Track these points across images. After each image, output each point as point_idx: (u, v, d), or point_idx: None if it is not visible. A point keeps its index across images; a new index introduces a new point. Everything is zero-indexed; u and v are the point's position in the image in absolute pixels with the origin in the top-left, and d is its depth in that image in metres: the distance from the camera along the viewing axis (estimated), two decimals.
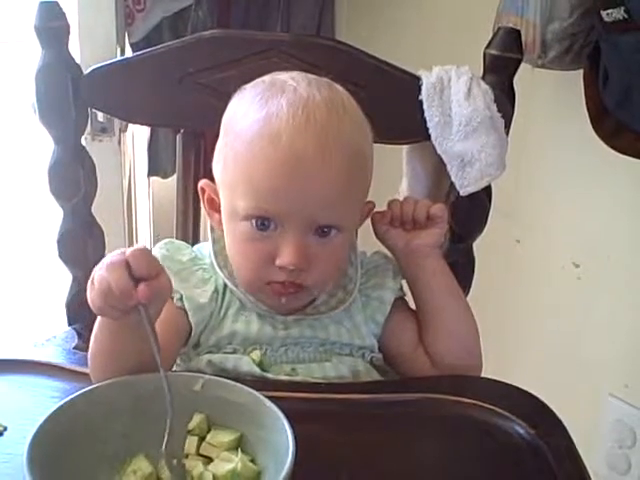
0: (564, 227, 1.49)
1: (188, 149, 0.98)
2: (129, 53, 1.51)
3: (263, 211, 0.71)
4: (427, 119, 0.89)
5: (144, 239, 1.85)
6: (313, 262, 0.72)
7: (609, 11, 1.05)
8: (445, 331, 0.82)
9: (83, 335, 0.95)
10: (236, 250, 0.76)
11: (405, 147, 0.98)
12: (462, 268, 0.94)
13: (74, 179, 0.95)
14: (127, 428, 0.62)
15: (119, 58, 1.28)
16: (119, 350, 0.66)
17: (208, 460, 0.61)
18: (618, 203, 1.39)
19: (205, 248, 0.83)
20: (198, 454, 0.62)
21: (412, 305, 0.86)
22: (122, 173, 1.49)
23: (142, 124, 1.41)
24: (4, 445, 0.64)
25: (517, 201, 1.51)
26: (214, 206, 0.79)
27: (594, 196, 1.42)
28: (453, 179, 0.91)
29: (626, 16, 1.04)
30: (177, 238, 0.98)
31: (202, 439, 0.62)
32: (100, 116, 1.39)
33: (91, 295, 0.60)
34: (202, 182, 0.80)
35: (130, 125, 1.52)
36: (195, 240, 1.01)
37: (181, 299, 0.76)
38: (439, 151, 0.90)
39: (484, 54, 0.91)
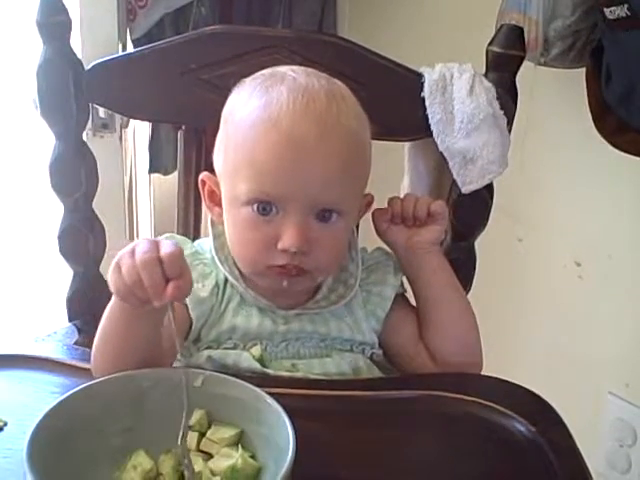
0: (566, 225, 1.49)
1: (189, 145, 0.98)
2: (131, 49, 1.51)
3: (265, 194, 0.71)
4: (429, 116, 0.89)
5: (145, 235, 1.84)
6: (315, 246, 0.72)
7: (612, 8, 1.05)
8: (445, 328, 0.82)
9: (84, 331, 0.95)
10: (238, 236, 0.76)
11: (407, 144, 0.98)
12: (463, 266, 0.94)
13: (75, 175, 0.95)
14: (127, 423, 0.62)
15: (121, 54, 1.28)
16: (129, 340, 0.67)
17: (208, 456, 0.61)
18: (620, 201, 1.39)
19: (206, 243, 0.83)
20: (198, 450, 0.62)
21: (413, 302, 0.86)
22: (123, 169, 1.49)
23: (143, 120, 1.41)
24: (4, 440, 0.64)
25: (519, 199, 1.51)
26: (214, 199, 0.80)
27: (596, 194, 1.42)
28: (455, 176, 0.91)
29: (629, 13, 1.04)
30: (178, 234, 0.98)
31: (202, 435, 0.62)
32: (101, 112, 1.40)
33: (115, 280, 0.61)
34: (203, 174, 0.80)
35: (131, 121, 1.52)
36: (196, 236, 1.01)
37: None
38: (441, 148, 0.90)
39: (487, 51, 0.91)
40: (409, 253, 0.83)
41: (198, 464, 0.59)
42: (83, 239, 0.98)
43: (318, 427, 0.65)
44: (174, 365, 0.76)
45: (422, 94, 0.89)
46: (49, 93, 0.91)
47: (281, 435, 0.57)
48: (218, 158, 0.78)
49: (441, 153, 0.91)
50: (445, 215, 0.82)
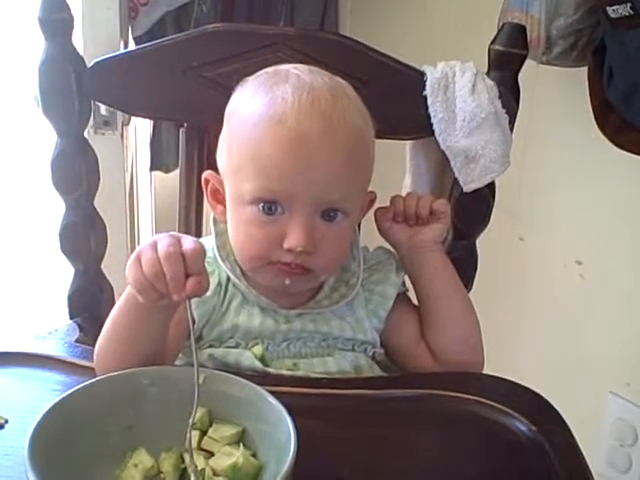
0: (567, 224, 1.49)
1: (191, 143, 0.98)
2: (132, 47, 1.50)
3: (270, 192, 0.71)
4: (431, 115, 0.89)
5: (146, 233, 1.84)
6: (320, 246, 0.72)
7: (615, 7, 1.05)
8: (447, 327, 0.82)
9: (84, 328, 0.95)
10: (242, 234, 0.75)
11: (409, 143, 0.97)
12: (465, 265, 0.94)
13: (77, 172, 0.95)
14: (128, 421, 0.62)
15: (122, 51, 1.28)
16: (137, 338, 0.67)
17: (209, 454, 0.61)
18: (621, 201, 1.39)
19: (207, 242, 0.83)
20: (199, 448, 0.62)
21: (415, 301, 0.86)
22: (124, 167, 1.49)
23: (145, 117, 1.41)
24: (5, 438, 0.64)
25: (520, 198, 1.51)
26: (218, 197, 0.79)
27: (597, 194, 1.42)
28: (457, 175, 0.90)
29: (632, 12, 1.03)
30: (180, 232, 0.98)
31: (204, 433, 0.62)
32: (103, 109, 1.39)
33: (134, 273, 0.61)
34: (206, 173, 0.80)
35: (133, 119, 1.51)
36: (198, 234, 1.01)
37: None
38: (443, 147, 0.90)
39: (489, 50, 0.90)
40: (411, 252, 0.82)
41: (199, 462, 0.59)
42: (84, 237, 0.98)
43: (319, 426, 0.65)
44: (176, 363, 0.76)
45: (424, 92, 0.89)
46: (51, 90, 0.91)
47: (282, 433, 0.57)
48: (222, 156, 0.77)
49: (443, 152, 0.90)
50: (447, 213, 0.82)
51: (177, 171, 1.07)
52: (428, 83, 0.89)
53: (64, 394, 0.60)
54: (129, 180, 1.56)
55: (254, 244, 0.74)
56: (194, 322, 0.78)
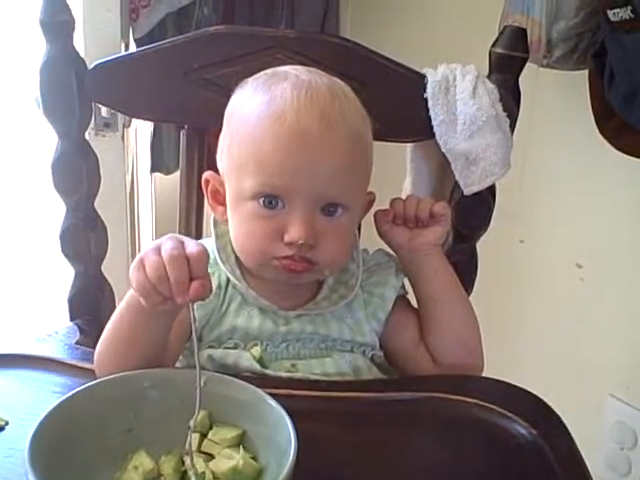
0: (567, 227, 1.49)
1: (192, 145, 0.98)
2: (133, 49, 1.50)
3: (270, 187, 0.72)
4: (432, 117, 0.89)
5: (147, 235, 1.84)
6: (321, 240, 0.73)
7: (615, 11, 1.05)
8: (446, 330, 0.82)
9: (85, 330, 0.95)
10: (243, 230, 0.75)
11: (409, 145, 0.97)
12: (465, 267, 0.94)
13: (77, 174, 0.95)
14: (128, 424, 0.62)
15: (123, 53, 1.28)
16: (139, 341, 0.67)
17: (209, 457, 0.61)
18: (622, 204, 1.39)
19: (208, 244, 0.83)
20: (200, 451, 0.61)
21: (414, 303, 0.86)
22: (125, 168, 1.49)
23: (146, 119, 1.41)
24: (6, 440, 0.64)
25: (521, 201, 1.51)
26: (218, 198, 0.80)
27: (598, 197, 1.42)
28: (457, 178, 0.90)
29: (632, 15, 1.04)
30: (180, 234, 0.98)
31: (204, 436, 0.62)
32: (104, 111, 1.39)
33: (138, 276, 0.61)
34: (206, 174, 0.80)
35: (133, 121, 1.51)
36: (198, 236, 1.01)
37: None
38: (443, 150, 0.90)
39: (490, 53, 0.91)
40: (411, 254, 0.82)
41: (199, 465, 0.59)
42: (85, 238, 0.98)
43: (319, 428, 0.65)
44: (176, 365, 0.76)
45: (425, 95, 0.89)
46: (52, 92, 0.91)
47: (283, 436, 0.57)
48: (222, 156, 0.78)
49: (443, 154, 0.90)
50: (447, 216, 0.82)
51: (178, 173, 1.07)
52: (429, 86, 0.89)
53: (65, 396, 0.60)
54: (130, 182, 1.56)
55: (255, 239, 0.74)
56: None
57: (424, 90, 0.89)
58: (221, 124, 0.78)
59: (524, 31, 0.90)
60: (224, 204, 0.78)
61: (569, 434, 0.69)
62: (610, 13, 1.07)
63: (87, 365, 0.73)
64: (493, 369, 0.82)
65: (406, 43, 1.69)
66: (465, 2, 1.60)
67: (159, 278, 0.60)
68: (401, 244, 0.83)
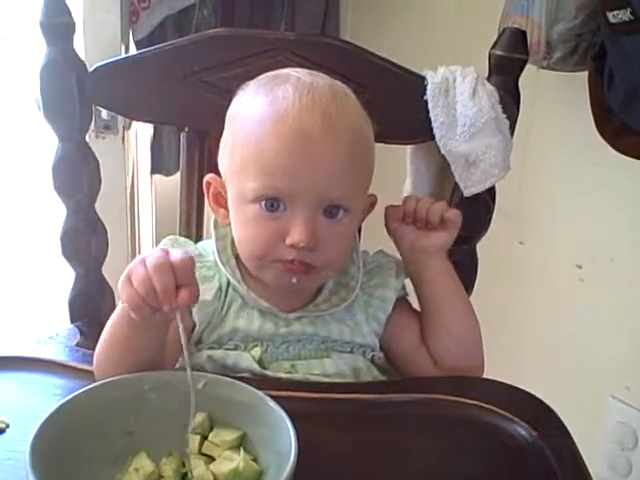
0: (567, 228, 1.49)
1: (192, 148, 0.98)
2: (133, 51, 1.51)
3: (273, 189, 0.72)
4: (432, 119, 0.89)
5: (147, 237, 1.84)
6: (322, 242, 0.73)
7: (615, 12, 1.05)
8: (447, 331, 0.82)
9: (85, 332, 0.95)
10: (245, 233, 0.75)
11: (409, 147, 0.97)
12: (465, 269, 0.94)
13: (78, 176, 0.95)
14: (129, 426, 0.62)
15: (124, 56, 1.28)
16: (134, 350, 0.67)
17: (210, 459, 0.61)
18: (621, 205, 1.39)
19: (208, 245, 0.83)
20: (200, 453, 0.62)
21: (415, 305, 0.86)
22: (125, 171, 1.49)
23: (146, 122, 1.41)
24: (6, 442, 0.64)
25: (521, 202, 1.51)
26: (219, 201, 0.80)
27: (597, 198, 1.42)
28: (457, 180, 0.90)
29: (632, 17, 1.04)
30: (180, 236, 0.98)
31: (204, 438, 0.62)
32: (104, 113, 1.39)
33: (127, 291, 0.61)
34: (208, 176, 0.80)
35: (134, 123, 1.51)
36: (198, 238, 1.01)
37: None
38: (443, 151, 0.90)
39: (489, 54, 0.91)
40: (414, 254, 0.83)
41: (200, 467, 0.59)
42: (85, 241, 0.98)
43: (320, 430, 0.65)
44: (176, 366, 0.76)
45: (425, 97, 0.89)
46: (52, 94, 0.91)
47: (283, 438, 0.57)
48: (224, 158, 0.78)
49: (443, 156, 0.91)
50: (458, 224, 0.82)
51: (178, 175, 1.07)
52: (429, 88, 0.89)
53: (65, 399, 0.60)
54: (130, 184, 1.56)
55: (257, 242, 0.74)
56: (193, 328, 0.78)
57: (424, 92, 0.89)
58: (221, 126, 0.78)
59: (524, 33, 0.90)
60: (226, 207, 0.78)
61: (569, 435, 0.69)
62: (610, 15, 1.07)
63: (88, 367, 0.73)
64: (493, 370, 0.82)
65: (406, 45, 1.70)
66: (465, 4, 1.60)
67: (146, 290, 0.60)
68: (406, 243, 0.83)
